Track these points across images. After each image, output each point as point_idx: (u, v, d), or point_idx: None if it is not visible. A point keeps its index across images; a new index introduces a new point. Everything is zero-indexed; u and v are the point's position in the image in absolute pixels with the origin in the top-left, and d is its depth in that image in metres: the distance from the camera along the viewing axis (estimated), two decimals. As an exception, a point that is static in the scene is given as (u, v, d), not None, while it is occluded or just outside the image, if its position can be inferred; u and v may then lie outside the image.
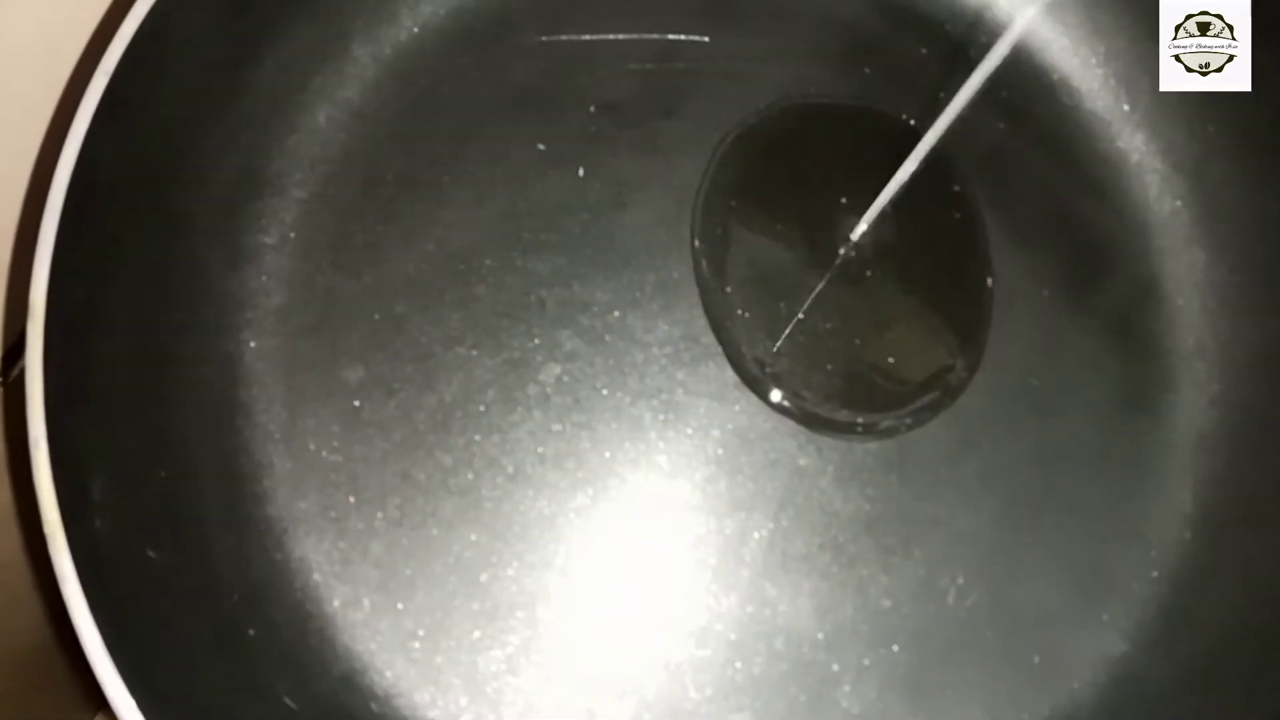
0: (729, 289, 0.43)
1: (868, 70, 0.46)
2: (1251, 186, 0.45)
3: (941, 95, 0.45)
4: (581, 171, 0.44)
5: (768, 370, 0.42)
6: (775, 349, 0.42)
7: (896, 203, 0.44)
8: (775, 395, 0.41)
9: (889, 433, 0.41)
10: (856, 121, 0.46)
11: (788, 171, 0.45)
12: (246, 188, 0.42)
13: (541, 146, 0.44)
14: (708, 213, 0.44)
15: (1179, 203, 0.45)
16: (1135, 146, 0.46)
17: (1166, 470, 0.43)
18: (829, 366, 0.42)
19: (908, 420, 0.42)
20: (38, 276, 0.36)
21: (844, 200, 0.44)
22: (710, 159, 0.45)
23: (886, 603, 0.40)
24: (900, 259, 0.44)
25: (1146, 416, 0.43)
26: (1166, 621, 0.41)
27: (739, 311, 0.43)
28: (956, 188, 0.44)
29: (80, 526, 0.34)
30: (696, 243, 0.43)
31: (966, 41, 0.47)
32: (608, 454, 0.41)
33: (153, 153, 0.40)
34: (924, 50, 0.46)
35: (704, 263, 0.43)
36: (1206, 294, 0.45)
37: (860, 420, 0.41)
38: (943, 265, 0.44)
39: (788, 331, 0.42)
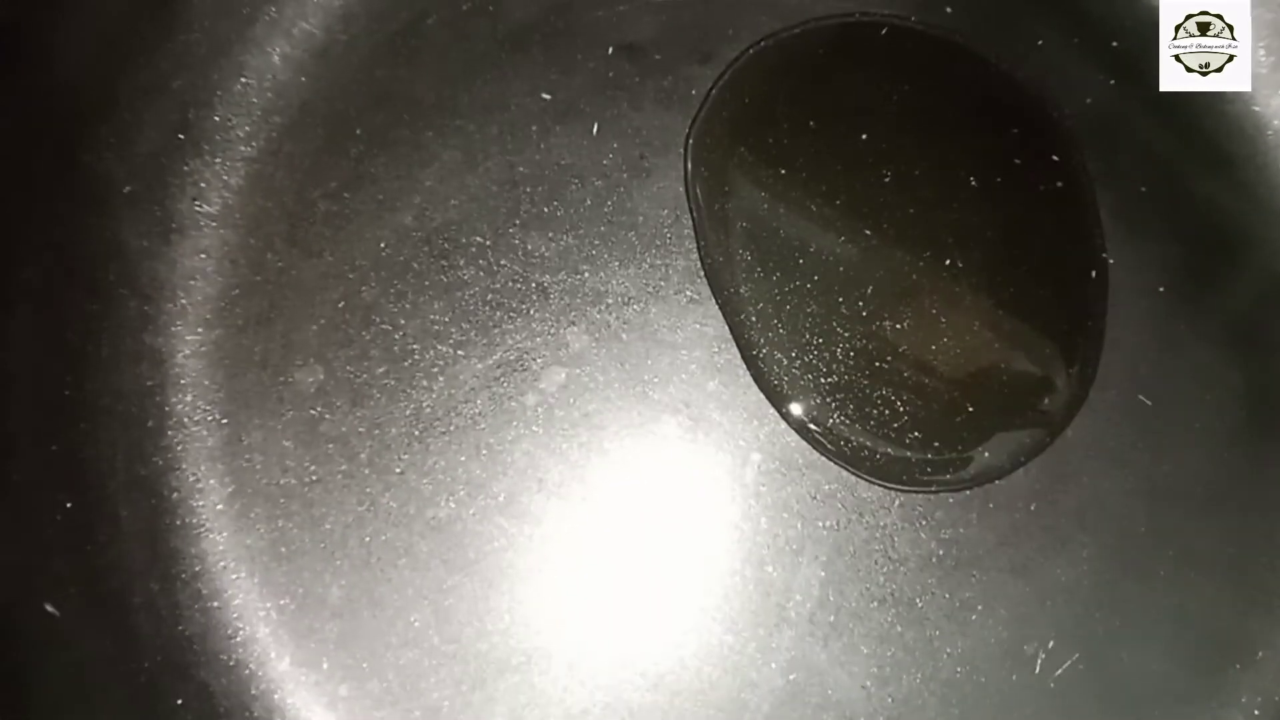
0: (744, 284, 0.35)
1: (949, 10, 0.37)
2: None
3: (1041, 42, 0.37)
4: (595, 128, 0.36)
5: (805, 401, 0.34)
6: (813, 366, 0.34)
7: (983, 174, 0.36)
8: (818, 433, 0.34)
9: (969, 482, 0.34)
10: (917, 51, 0.38)
11: (817, 114, 0.37)
12: (180, 144, 0.35)
13: (547, 96, 0.36)
14: (707, 177, 0.36)
15: (1329, 181, 0.37)
16: (1276, 110, 0.37)
17: (1304, 511, 0.35)
18: (888, 393, 0.34)
19: (991, 464, 0.34)
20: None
21: (907, 161, 0.36)
22: (705, 96, 0.36)
23: (959, 671, 0.33)
24: (987, 246, 0.36)
25: (1276, 443, 0.36)
26: (1303, 700, 0.34)
27: (759, 312, 0.35)
28: (1056, 157, 0.36)
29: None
30: (694, 218, 0.35)
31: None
32: (622, 482, 0.34)
33: (59, 99, 0.32)
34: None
35: (707, 244, 0.35)
36: (1360, 295, 0.37)
37: (931, 467, 0.34)
38: (1042, 254, 0.36)
39: (827, 340, 0.34)
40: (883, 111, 0.37)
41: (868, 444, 0.34)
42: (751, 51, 0.37)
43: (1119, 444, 0.35)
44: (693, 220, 0.35)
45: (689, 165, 0.36)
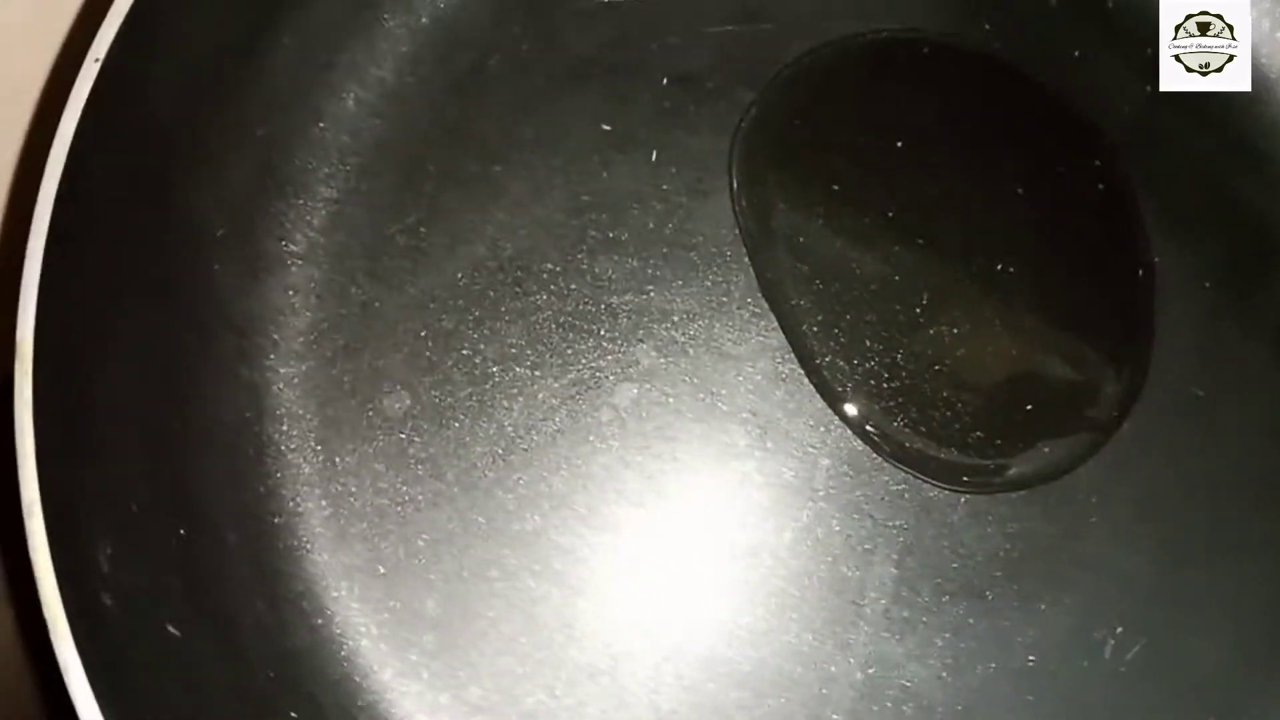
0: (803, 296, 0.36)
1: (988, 26, 0.39)
2: None
3: (1077, 54, 0.39)
4: (655, 155, 0.37)
5: (868, 407, 0.35)
6: (874, 372, 0.36)
7: (1028, 183, 0.38)
8: (881, 437, 0.35)
9: (1031, 481, 0.35)
10: (958, 67, 0.39)
11: (862, 131, 0.38)
12: (266, 187, 0.36)
13: (607, 127, 0.38)
14: (756, 195, 0.37)
15: (1369, 177, 0.38)
16: (1309, 110, 0.39)
17: (1356, 494, 0.36)
18: (948, 395, 0.35)
19: (1052, 461, 0.35)
20: (24, 306, 0.30)
21: (953, 174, 0.37)
22: (744, 114, 0.38)
23: (1032, 659, 0.34)
24: (1036, 251, 0.37)
25: (1330, 430, 0.37)
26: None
27: (819, 322, 0.36)
28: (1098, 163, 0.38)
29: (86, 605, 0.29)
30: (745, 236, 0.37)
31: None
32: (696, 490, 0.35)
33: (155, 151, 0.34)
34: (1053, 2, 0.39)
35: (762, 260, 0.37)
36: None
37: (993, 467, 0.35)
38: (1089, 256, 0.37)
39: (886, 347, 0.36)
40: (926, 126, 0.39)
41: (931, 446, 0.35)
42: (789, 70, 0.39)
43: (1173, 438, 0.36)
44: (742, 238, 0.37)
45: (735, 183, 0.37)
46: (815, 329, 0.36)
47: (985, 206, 0.37)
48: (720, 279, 0.37)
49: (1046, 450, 0.35)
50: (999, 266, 0.37)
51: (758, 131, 0.37)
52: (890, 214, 0.37)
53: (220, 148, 0.35)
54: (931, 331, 0.36)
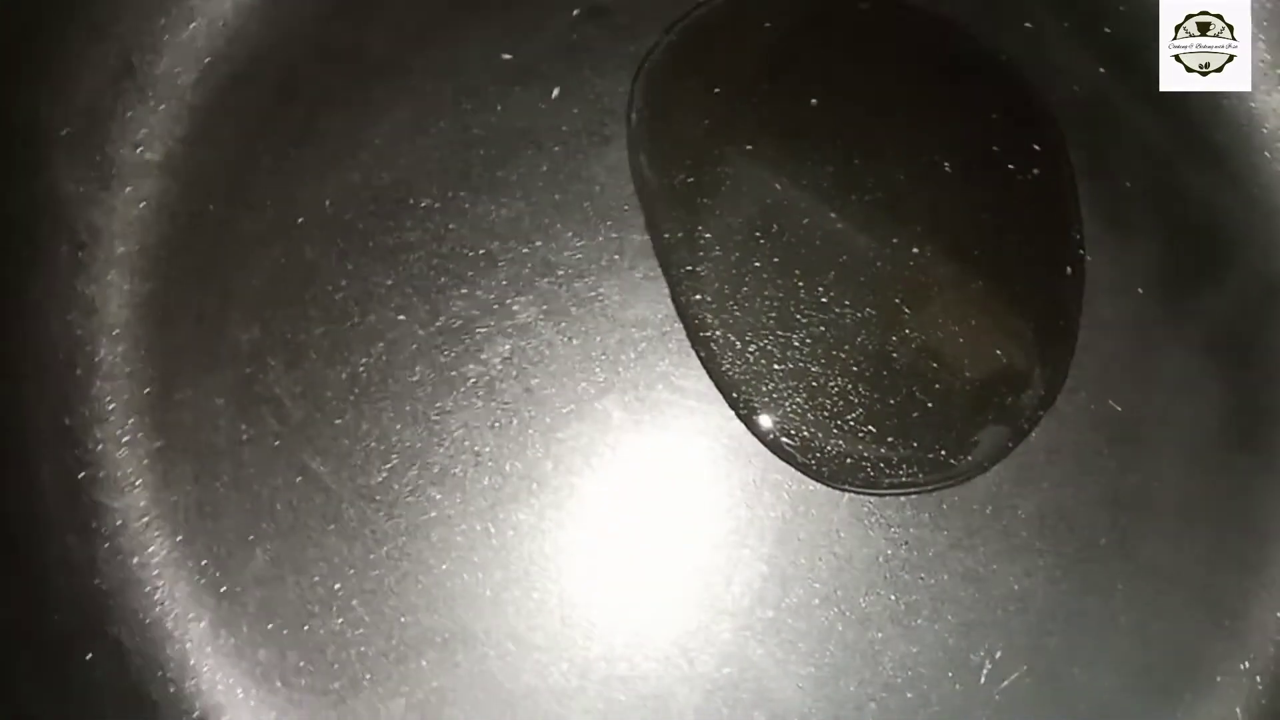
0: (701, 263, 0.33)
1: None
2: None
3: (1029, 25, 0.35)
4: (556, 92, 0.34)
5: (755, 387, 0.32)
6: (767, 351, 0.33)
7: (958, 160, 0.34)
8: (765, 422, 0.32)
9: (922, 485, 0.32)
10: (898, 27, 0.36)
11: (785, 85, 0.35)
12: (122, 89, 0.34)
13: (507, 56, 0.35)
14: (663, 147, 0.34)
15: (1327, 183, 0.35)
16: (1274, 106, 0.35)
17: (1275, 528, 0.33)
18: (843, 384, 0.32)
19: (948, 465, 0.32)
20: None
21: (879, 142, 0.34)
22: (646, 56, 0.34)
23: (902, 677, 0.32)
24: (957, 235, 0.34)
25: (1254, 458, 0.34)
26: (1259, 726, 0.32)
27: (715, 293, 0.33)
28: (1037, 146, 0.34)
29: None
30: (640, 190, 0.34)
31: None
32: (563, 459, 0.33)
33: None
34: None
35: (661, 219, 0.34)
36: (1350, 305, 0.35)
37: (883, 464, 0.32)
38: (1016, 247, 0.34)
39: (783, 326, 0.33)
40: (855, 88, 0.35)
41: (817, 437, 0.32)
42: (704, 10, 0.35)
43: (1085, 451, 0.33)
44: (638, 191, 0.34)
45: (634, 133, 0.34)
46: (708, 299, 0.33)
47: (908, 182, 0.34)
48: (614, 235, 0.34)
49: (943, 453, 0.32)
50: (914, 249, 0.33)
51: (665, 76, 0.34)
52: (804, 181, 0.34)
53: (70, 41, 0.32)
54: (834, 313, 0.33)
